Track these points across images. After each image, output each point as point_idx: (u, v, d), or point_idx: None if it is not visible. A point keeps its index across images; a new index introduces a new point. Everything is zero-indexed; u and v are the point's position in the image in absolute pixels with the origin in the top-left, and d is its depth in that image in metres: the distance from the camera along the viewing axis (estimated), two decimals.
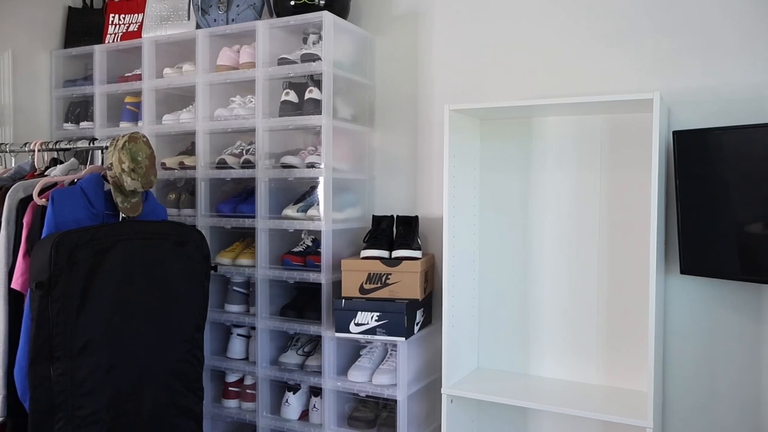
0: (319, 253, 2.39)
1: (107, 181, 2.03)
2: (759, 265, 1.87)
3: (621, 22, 2.18)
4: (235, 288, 2.60)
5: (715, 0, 2.05)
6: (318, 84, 2.38)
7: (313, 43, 2.44)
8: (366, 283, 2.22)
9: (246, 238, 2.64)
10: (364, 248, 2.30)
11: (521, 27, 2.35)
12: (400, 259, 2.23)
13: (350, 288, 2.24)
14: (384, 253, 2.27)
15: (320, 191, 2.35)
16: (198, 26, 2.63)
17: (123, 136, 2.03)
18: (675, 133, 1.99)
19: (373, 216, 2.46)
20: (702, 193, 1.98)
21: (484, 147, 2.40)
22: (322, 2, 2.39)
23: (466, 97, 2.45)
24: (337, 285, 2.36)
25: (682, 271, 2.03)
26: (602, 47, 2.22)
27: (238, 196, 2.63)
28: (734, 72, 2.03)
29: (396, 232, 2.41)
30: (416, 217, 2.43)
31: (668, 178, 2.10)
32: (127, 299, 1.94)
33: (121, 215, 2.06)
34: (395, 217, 2.45)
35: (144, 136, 2.08)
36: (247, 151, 2.56)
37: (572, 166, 2.26)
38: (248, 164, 2.50)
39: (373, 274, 2.22)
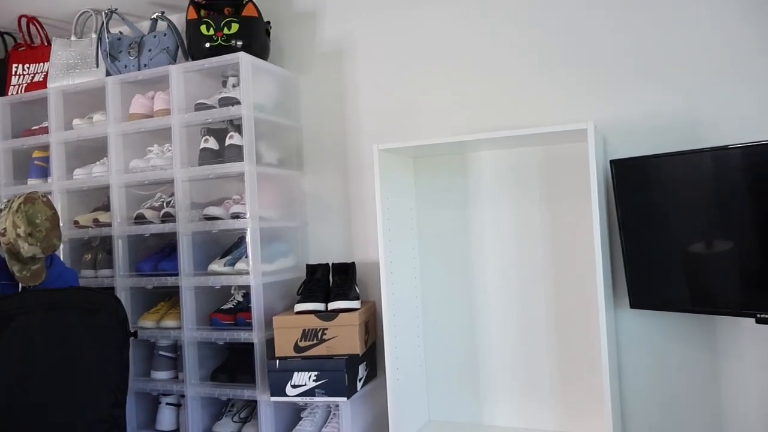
0: (250, 310, 2.21)
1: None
2: (708, 295, 1.80)
3: (552, 52, 2.12)
4: (161, 353, 2.39)
5: (641, 28, 2.01)
6: (239, 129, 2.23)
7: (233, 86, 2.30)
8: (301, 341, 2.05)
9: (171, 297, 2.44)
10: (298, 301, 2.14)
11: (450, 60, 2.26)
12: (337, 312, 2.07)
13: (284, 347, 2.06)
14: (319, 306, 2.11)
15: (248, 243, 2.18)
16: (108, 73, 2.45)
17: (18, 197, 1.83)
18: (612, 162, 1.92)
19: (307, 265, 2.30)
20: (644, 222, 1.91)
21: (419, 186, 2.29)
22: (239, 43, 2.26)
23: (397, 134, 2.34)
24: (270, 343, 2.18)
25: (632, 306, 1.95)
26: (534, 78, 2.15)
27: (160, 252, 2.43)
28: (664, 97, 1.98)
29: (332, 282, 2.26)
30: (353, 263, 2.29)
31: (609, 208, 2.02)
32: (28, 383, 1.72)
33: (21, 285, 1.85)
34: (330, 265, 2.30)
35: (44, 196, 1.88)
36: (167, 203, 2.38)
37: (511, 200, 2.17)
38: (169, 218, 2.32)
39: (309, 330, 2.05)
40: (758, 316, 1.69)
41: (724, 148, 1.73)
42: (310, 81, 2.48)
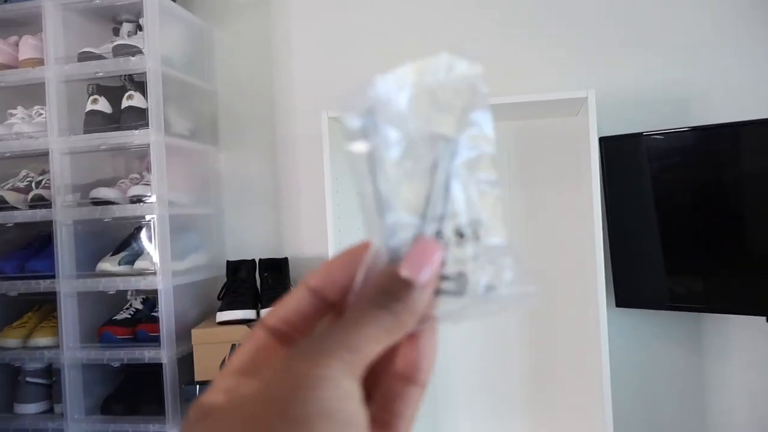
0: (154, 320, 1.72)
1: None
2: (693, 291, 1.60)
3: (530, 12, 1.83)
4: (29, 379, 1.82)
5: None
6: (141, 87, 1.73)
7: (129, 34, 1.79)
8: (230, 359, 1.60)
9: (42, 306, 1.88)
10: (221, 308, 1.69)
11: (408, 12, 1.90)
12: None
13: (207, 368, 1.61)
14: (249, 314, 1.68)
15: (153, 234, 1.69)
16: None
17: None
18: (602, 140, 1.65)
19: (228, 262, 1.85)
20: (634, 209, 1.67)
21: None
22: None
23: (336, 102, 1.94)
24: (185, 363, 1.70)
25: (618, 304, 1.71)
26: (509, 41, 1.84)
27: (27, 247, 1.86)
28: (656, 69, 1.76)
29: (261, 282, 1.83)
30: (285, 259, 1.87)
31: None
32: None
33: None
34: (257, 261, 1.87)
35: None
36: (39, 183, 1.82)
37: None
38: (40, 202, 1.76)
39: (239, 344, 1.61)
40: None
41: (731, 125, 1.53)
42: (228, 34, 2.01)
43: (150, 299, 1.83)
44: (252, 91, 2.00)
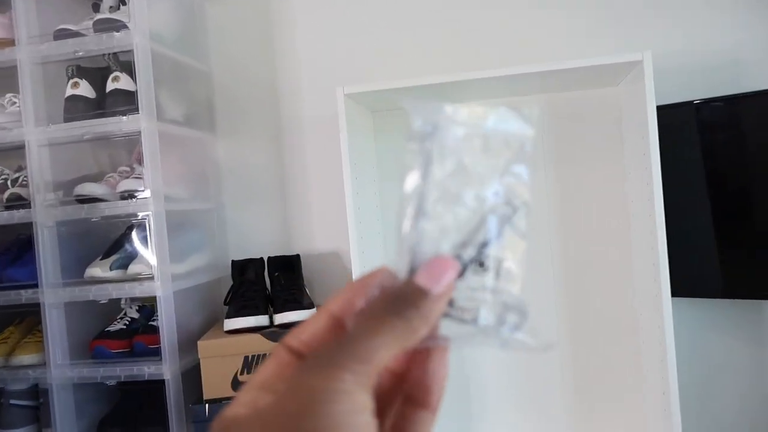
0: (153, 330, 1.53)
1: None
2: (753, 277, 1.42)
3: None
4: (13, 401, 1.61)
5: None
6: (128, 68, 1.52)
7: (111, 9, 1.58)
8: (242, 373, 1.41)
9: (25, 319, 1.67)
10: (229, 315, 1.49)
11: None
12: (288, 326, 1.46)
13: (217, 384, 1.41)
14: (262, 320, 1.48)
15: (148, 234, 1.49)
16: None
17: None
18: (659, 108, 1.46)
19: (233, 262, 1.65)
20: (684, 190, 1.49)
21: (380, 150, 1.72)
22: None
23: (356, 81, 1.74)
24: (190, 379, 1.50)
25: (674, 294, 1.53)
26: (535, 10, 1.65)
27: (5, 254, 1.66)
28: (704, 33, 1.57)
29: (272, 283, 1.63)
30: (297, 256, 1.67)
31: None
32: None
33: None
34: (266, 260, 1.67)
35: None
36: (15, 181, 1.61)
37: None
38: (18, 202, 1.56)
39: (253, 357, 1.41)
40: None
41: None
42: (222, 7, 1.81)
43: (147, 307, 1.63)
44: (251, 70, 1.80)
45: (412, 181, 0.33)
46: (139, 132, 1.46)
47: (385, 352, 0.29)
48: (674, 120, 1.50)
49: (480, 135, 0.34)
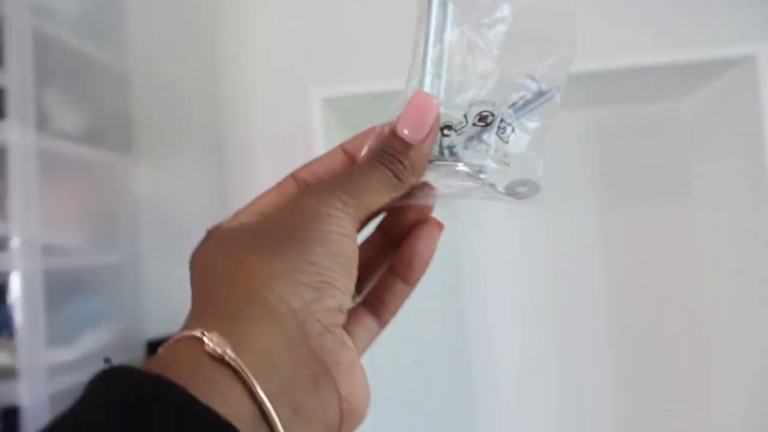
0: None
1: None
2: None
3: None
4: None
5: None
6: None
7: None
8: None
9: None
10: None
11: None
12: None
13: None
14: None
15: (15, 304, 0.97)
16: None
17: None
18: None
19: (149, 343, 1.15)
20: None
21: None
22: None
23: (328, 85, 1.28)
24: None
25: None
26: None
27: None
28: None
29: None
30: None
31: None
32: None
33: None
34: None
35: None
36: None
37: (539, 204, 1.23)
38: None
39: None
40: None
41: None
42: None
43: (11, 414, 1.10)
44: (185, 70, 1.31)
45: (429, 39, 0.32)
46: (5, 148, 0.95)
47: (375, 196, 0.32)
48: None
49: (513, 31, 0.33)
